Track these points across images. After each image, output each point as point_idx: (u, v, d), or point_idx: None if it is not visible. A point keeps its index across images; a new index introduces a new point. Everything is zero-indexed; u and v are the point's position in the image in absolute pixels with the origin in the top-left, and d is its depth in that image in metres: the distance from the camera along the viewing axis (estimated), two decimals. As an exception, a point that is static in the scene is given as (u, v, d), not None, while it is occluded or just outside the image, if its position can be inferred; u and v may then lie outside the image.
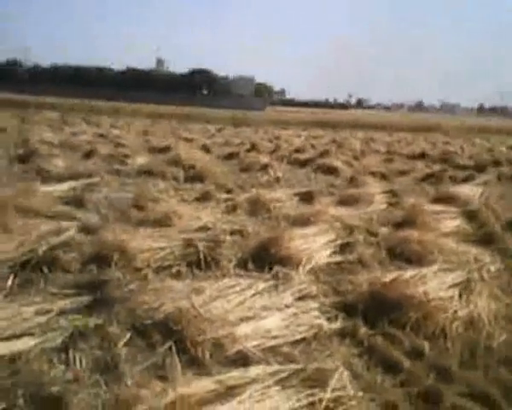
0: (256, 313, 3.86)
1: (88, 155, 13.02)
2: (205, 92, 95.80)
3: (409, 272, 4.72)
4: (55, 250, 4.88)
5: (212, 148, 17.03)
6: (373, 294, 4.32)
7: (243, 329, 3.62)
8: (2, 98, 45.38)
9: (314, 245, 5.66)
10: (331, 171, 12.65)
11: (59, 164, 10.69)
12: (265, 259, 5.17)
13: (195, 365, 3.23)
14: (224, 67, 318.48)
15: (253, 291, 4.17)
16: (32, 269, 4.58)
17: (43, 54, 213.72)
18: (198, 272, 4.89)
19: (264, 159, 13.67)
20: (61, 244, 5.02)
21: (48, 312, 3.51)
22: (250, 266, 5.09)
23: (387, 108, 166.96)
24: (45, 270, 4.58)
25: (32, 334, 3.31)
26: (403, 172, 13.50)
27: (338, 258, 5.61)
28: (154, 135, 21.96)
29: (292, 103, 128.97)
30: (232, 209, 7.60)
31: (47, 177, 9.16)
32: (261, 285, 4.30)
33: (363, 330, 3.93)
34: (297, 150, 17.81)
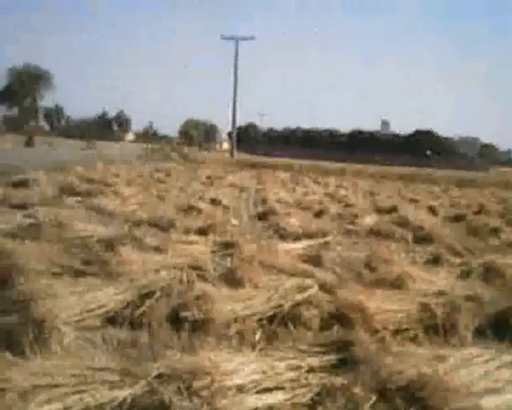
0: (502, 386, 3.61)
1: (319, 214, 13.33)
2: (428, 153, 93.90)
3: None
4: (298, 307, 5.03)
5: (438, 209, 16.54)
6: None
7: (488, 402, 3.41)
8: (242, 159, 48.64)
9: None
10: None
11: (294, 222, 11.06)
12: (505, 329, 4.87)
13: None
14: (447, 127, 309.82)
15: (497, 363, 3.92)
16: (278, 324, 4.76)
17: (278, 118, 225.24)
18: (436, 338, 4.74)
19: (494, 222, 12.96)
20: (303, 301, 5.16)
21: (298, 368, 3.60)
22: (489, 335, 4.82)
23: None
24: (290, 326, 4.73)
25: (282, 388, 3.41)
26: None
27: None
28: (380, 195, 21.92)
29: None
30: (465, 274, 7.27)
31: (284, 234, 9.53)
32: (506, 357, 4.03)
33: None
34: (529, 213, 16.64)
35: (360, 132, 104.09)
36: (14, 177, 14.09)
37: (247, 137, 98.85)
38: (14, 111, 72.86)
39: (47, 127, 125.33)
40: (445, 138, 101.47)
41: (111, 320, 4.56)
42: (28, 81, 66.49)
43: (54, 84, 69.43)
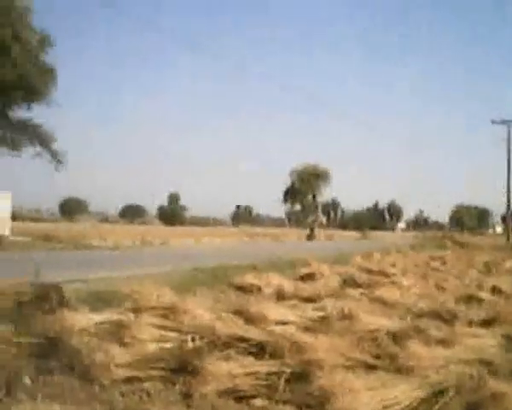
0: None
1: None
2: None
3: None
4: None
5: None
6: None
7: None
8: None
9: None
10: None
11: None
12: None
13: None
14: None
15: None
16: None
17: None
18: None
19: None
20: None
21: None
22: None
23: None
24: None
25: None
26: None
27: None
28: None
29: None
30: None
31: None
32: None
33: None
34: None
35: None
36: (303, 269, 14.80)
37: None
38: (296, 207, 77.59)
39: (324, 220, 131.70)
40: None
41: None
42: (309, 180, 70.44)
43: (332, 182, 72.57)
